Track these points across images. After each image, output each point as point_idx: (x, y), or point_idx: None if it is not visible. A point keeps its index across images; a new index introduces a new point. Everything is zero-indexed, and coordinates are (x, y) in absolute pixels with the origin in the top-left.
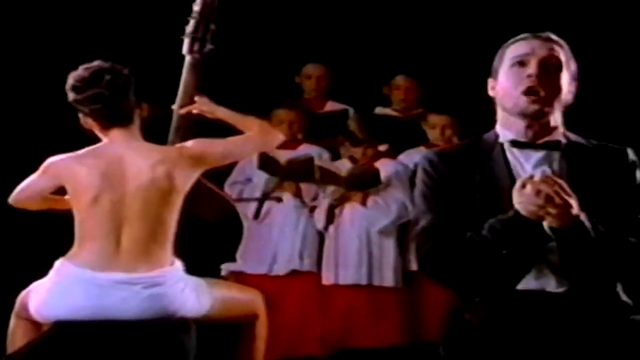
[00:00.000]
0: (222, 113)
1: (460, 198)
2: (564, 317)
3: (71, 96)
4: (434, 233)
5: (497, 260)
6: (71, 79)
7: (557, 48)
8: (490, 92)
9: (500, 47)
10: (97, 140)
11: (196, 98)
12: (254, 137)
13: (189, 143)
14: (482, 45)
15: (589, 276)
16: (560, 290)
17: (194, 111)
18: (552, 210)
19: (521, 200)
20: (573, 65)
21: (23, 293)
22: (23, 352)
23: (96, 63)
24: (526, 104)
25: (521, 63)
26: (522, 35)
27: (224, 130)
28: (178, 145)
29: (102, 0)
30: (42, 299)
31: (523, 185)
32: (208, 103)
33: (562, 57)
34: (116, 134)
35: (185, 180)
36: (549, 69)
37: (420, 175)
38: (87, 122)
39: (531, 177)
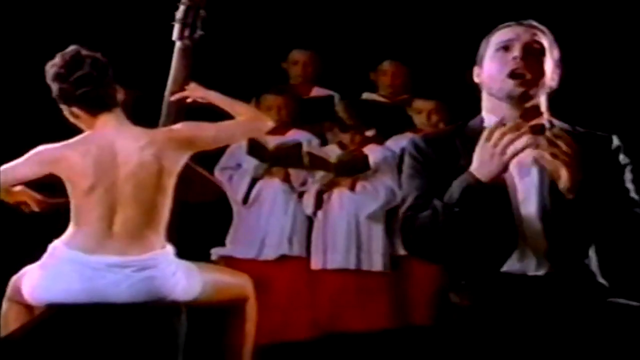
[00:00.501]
0: (214, 97)
1: (445, 181)
2: (544, 300)
3: (56, 86)
4: (418, 210)
5: (460, 225)
6: (52, 69)
7: (540, 34)
8: (476, 79)
9: (485, 36)
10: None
11: (187, 86)
12: (244, 123)
13: (178, 126)
14: (469, 30)
15: (573, 256)
16: (540, 272)
17: (188, 100)
18: (565, 158)
19: (496, 151)
20: (556, 52)
21: (16, 276)
22: (16, 335)
23: (71, 48)
24: (512, 86)
25: (506, 48)
26: (505, 23)
27: (215, 116)
28: (167, 128)
29: None
30: (35, 282)
31: (489, 138)
32: (199, 88)
33: (545, 43)
34: (104, 119)
35: (174, 163)
36: (533, 53)
37: (406, 158)
38: (73, 112)
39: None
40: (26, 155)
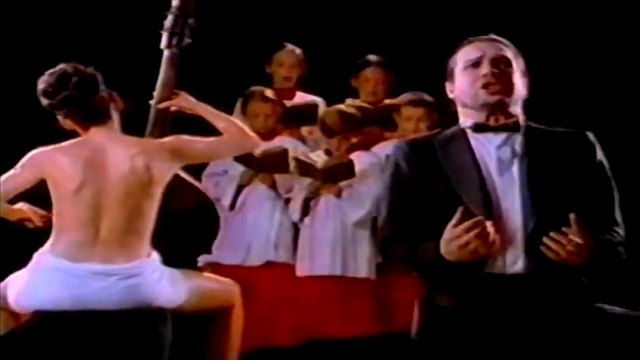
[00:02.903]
0: (201, 110)
1: (424, 188)
2: (528, 301)
3: (44, 102)
4: (392, 235)
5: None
6: (40, 85)
7: (503, 47)
8: (450, 95)
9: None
10: (77, 135)
11: (175, 94)
12: (232, 140)
13: (169, 138)
14: (452, 36)
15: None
16: (517, 268)
17: (173, 108)
18: (558, 254)
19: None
20: (521, 62)
21: (2, 284)
22: (2, 342)
23: (60, 66)
24: (486, 95)
25: (474, 65)
26: (468, 39)
27: (201, 125)
28: (159, 139)
29: None
30: (21, 289)
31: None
32: (187, 99)
33: (510, 55)
34: (96, 130)
35: (163, 173)
36: (500, 66)
37: (390, 165)
38: (66, 122)
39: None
40: (21, 162)
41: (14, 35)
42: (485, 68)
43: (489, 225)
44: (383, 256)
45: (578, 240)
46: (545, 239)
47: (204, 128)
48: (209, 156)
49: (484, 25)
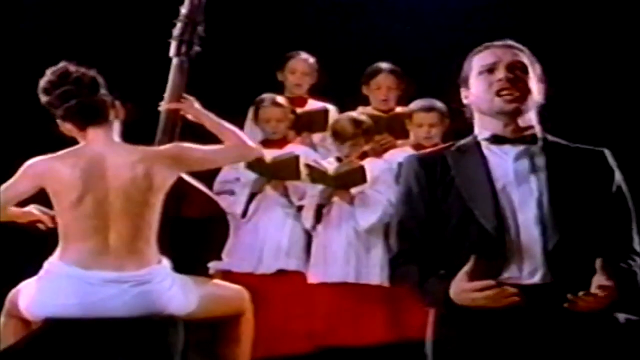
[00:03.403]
0: (205, 119)
1: (435, 204)
2: (544, 310)
3: (43, 99)
4: (398, 242)
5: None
6: (41, 82)
7: (519, 53)
8: (465, 101)
9: (465, 59)
10: (77, 143)
11: (184, 99)
12: (231, 149)
13: (169, 145)
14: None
15: (572, 264)
16: (535, 279)
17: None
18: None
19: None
20: (537, 68)
21: (13, 292)
22: (13, 350)
23: (61, 65)
24: (502, 103)
25: (490, 70)
26: (484, 45)
27: (208, 134)
28: (157, 147)
29: (92, 4)
30: (32, 297)
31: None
32: (194, 107)
33: (526, 61)
34: (93, 133)
35: (164, 180)
36: (516, 72)
37: (400, 181)
38: (65, 126)
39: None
40: (19, 171)
41: (19, 42)
42: (500, 73)
43: (502, 288)
44: (390, 275)
45: (600, 293)
46: (570, 297)
47: (211, 137)
48: (207, 163)
49: (499, 32)
